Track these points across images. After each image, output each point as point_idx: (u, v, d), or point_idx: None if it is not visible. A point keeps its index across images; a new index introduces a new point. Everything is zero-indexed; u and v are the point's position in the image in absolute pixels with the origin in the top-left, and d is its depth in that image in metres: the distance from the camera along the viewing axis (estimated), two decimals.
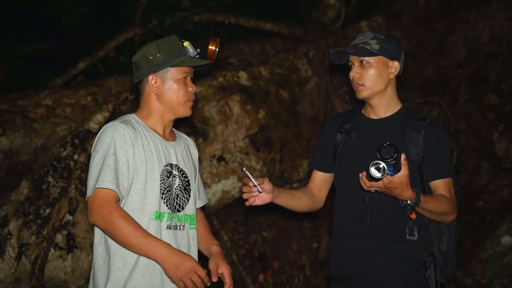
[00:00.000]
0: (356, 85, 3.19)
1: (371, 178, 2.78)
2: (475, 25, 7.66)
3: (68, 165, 4.59)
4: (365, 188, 2.87)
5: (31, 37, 8.41)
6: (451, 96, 7.44)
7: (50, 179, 4.53)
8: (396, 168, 2.78)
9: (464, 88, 7.41)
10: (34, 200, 4.47)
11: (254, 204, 3.14)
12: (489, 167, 7.24)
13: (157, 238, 2.87)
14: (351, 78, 3.21)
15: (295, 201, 3.36)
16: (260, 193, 3.11)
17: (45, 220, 4.40)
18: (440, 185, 3.10)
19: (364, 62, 3.17)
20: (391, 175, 2.77)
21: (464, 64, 7.51)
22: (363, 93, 3.19)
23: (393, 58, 3.20)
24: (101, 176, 2.85)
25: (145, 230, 2.86)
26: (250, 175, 3.04)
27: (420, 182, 3.10)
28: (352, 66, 3.22)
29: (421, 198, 2.90)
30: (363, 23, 7.04)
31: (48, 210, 4.44)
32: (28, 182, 4.54)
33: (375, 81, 3.17)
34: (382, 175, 2.74)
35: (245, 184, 3.11)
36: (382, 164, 2.74)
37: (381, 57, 3.17)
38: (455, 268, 3.31)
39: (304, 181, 5.83)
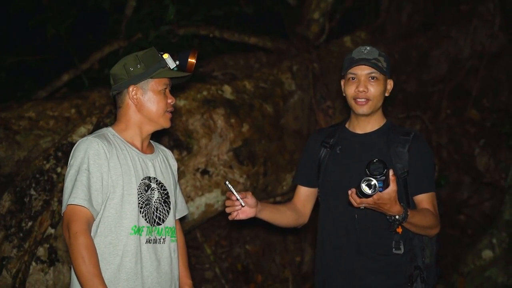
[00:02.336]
0: (363, 100, 3.14)
1: (362, 194, 2.77)
2: (456, 41, 7.75)
3: (51, 178, 4.54)
4: (355, 205, 2.85)
5: (15, 48, 8.36)
6: (433, 111, 7.50)
7: (32, 192, 4.49)
8: (385, 184, 2.78)
9: (445, 103, 7.47)
10: (16, 213, 4.42)
11: (237, 218, 3.11)
12: (470, 181, 7.30)
13: (104, 284, 2.78)
14: (355, 92, 3.15)
15: (279, 216, 3.33)
16: (243, 207, 3.08)
17: (27, 233, 4.35)
18: (424, 199, 3.11)
19: (373, 78, 3.13)
20: (381, 191, 2.77)
21: (446, 79, 7.59)
22: (367, 109, 3.15)
23: (390, 77, 3.22)
24: (73, 192, 2.83)
25: (99, 270, 2.79)
26: (233, 189, 3.02)
27: (405, 195, 3.10)
28: (354, 79, 3.17)
29: (408, 213, 2.91)
30: (346, 38, 7.09)
31: (30, 223, 4.38)
32: (10, 194, 4.49)
33: (378, 97, 3.16)
34: (373, 192, 2.73)
35: (228, 198, 3.09)
36: (374, 181, 2.73)
37: (385, 75, 3.17)
38: (436, 281, 3.31)
39: (287, 195, 5.83)
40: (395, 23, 7.97)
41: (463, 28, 7.78)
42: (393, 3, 7.99)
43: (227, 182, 3.02)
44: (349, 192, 2.83)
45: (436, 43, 7.73)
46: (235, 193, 3.02)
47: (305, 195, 3.42)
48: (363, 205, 2.85)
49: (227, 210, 3.10)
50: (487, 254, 5.89)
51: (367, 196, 2.75)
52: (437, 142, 7.22)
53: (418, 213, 3.02)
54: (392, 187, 2.78)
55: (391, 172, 2.78)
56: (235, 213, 3.10)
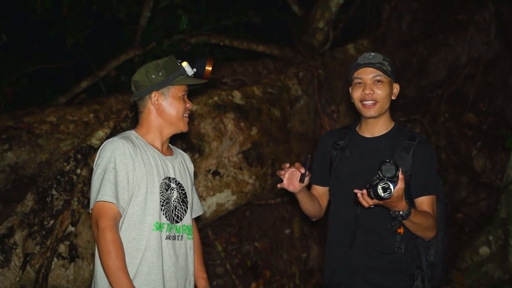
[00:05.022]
0: (369, 103, 3.13)
1: (376, 197, 2.72)
2: (454, 48, 7.74)
3: (71, 178, 4.57)
4: (366, 206, 2.80)
5: (37, 57, 8.42)
6: (432, 115, 7.49)
7: (54, 192, 4.51)
8: (396, 184, 2.75)
9: (444, 107, 7.47)
10: (38, 212, 4.44)
11: (286, 187, 3.08)
12: (467, 181, 7.28)
13: (129, 278, 2.81)
14: (362, 95, 3.14)
15: (310, 202, 3.30)
16: (298, 182, 3.06)
17: (48, 231, 4.38)
18: (424, 201, 3.08)
19: (379, 82, 3.12)
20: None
21: (444, 85, 7.58)
22: (374, 112, 3.13)
23: (395, 81, 3.20)
24: (101, 190, 2.86)
25: (124, 264, 2.82)
26: (307, 164, 3.02)
27: (408, 198, 3.04)
28: (360, 83, 3.16)
29: (411, 211, 2.89)
30: (349, 45, 7.08)
31: (51, 222, 4.41)
32: (33, 194, 4.52)
33: (384, 99, 3.14)
34: (387, 196, 2.70)
35: (290, 167, 3.06)
36: (391, 186, 2.69)
37: (390, 78, 3.16)
38: (442, 277, 3.30)
39: (293, 195, 5.83)
40: (395, 31, 7.97)
41: (460, 36, 7.77)
42: (393, 12, 7.99)
43: (309, 156, 3.03)
44: (359, 193, 2.79)
45: (434, 51, 7.72)
46: (306, 167, 3.02)
47: (319, 193, 3.41)
48: (373, 205, 2.82)
49: (282, 176, 3.06)
50: (484, 250, 5.87)
51: (381, 198, 2.72)
52: (436, 144, 7.21)
53: (420, 213, 2.99)
54: (400, 185, 2.73)
55: (400, 171, 2.74)
56: (287, 183, 3.07)
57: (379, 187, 2.69)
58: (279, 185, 3.08)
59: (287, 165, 3.06)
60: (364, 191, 2.77)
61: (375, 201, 2.76)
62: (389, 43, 7.75)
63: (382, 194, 2.69)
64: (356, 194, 2.82)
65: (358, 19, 8.40)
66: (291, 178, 3.09)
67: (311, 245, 6.33)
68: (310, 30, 7.08)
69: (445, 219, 3.25)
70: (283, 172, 3.06)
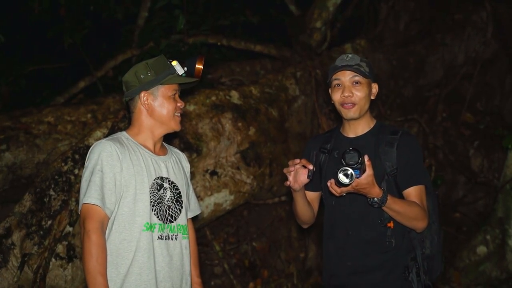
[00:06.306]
0: (348, 104, 3.16)
1: (340, 184, 2.80)
2: (451, 48, 7.75)
3: (68, 179, 4.56)
4: (337, 194, 2.90)
5: (35, 57, 8.41)
6: (430, 114, 7.50)
7: (51, 192, 4.50)
8: (362, 170, 2.80)
9: (441, 106, 7.48)
10: (36, 212, 4.43)
11: (291, 184, 3.09)
12: (465, 181, 7.29)
13: (107, 283, 2.82)
14: (341, 97, 3.17)
15: (307, 206, 3.32)
16: (301, 179, 3.09)
17: (46, 231, 4.37)
18: (412, 192, 3.10)
19: (357, 83, 3.15)
20: (358, 177, 2.80)
21: (441, 84, 7.59)
22: (354, 113, 3.16)
23: (374, 81, 3.24)
24: (87, 192, 2.87)
25: (104, 269, 2.83)
26: (314, 161, 3.11)
27: (397, 192, 3.10)
28: (339, 85, 3.18)
29: (388, 197, 2.92)
30: (347, 45, 7.09)
31: (49, 222, 4.40)
32: (30, 195, 4.50)
33: (364, 100, 3.16)
34: (350, 181, 2.78)
35: (298, 164, 3.08)
36: (350, 171, 2.76)
37: (368, 79, 3.18)
38: (442, 269, 3.30)
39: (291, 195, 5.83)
40: (393, 31, 7.99)
41: (457, 36, 7.79)
42: (391, 12, 8.01)
43: (315, 152, 3.12)
44: (328, 183, 2.88)
45: (432, 50, 7.73)
46: (313, 164, 3.09)
47: (310, 199, 3.40)
48: (344, 193, 2.89)
49: (289, 174, 3.08)
50: (481, 249, 5.88)
51: (345, 185, 2.80)
52: (433, 144, 7.22)
53: (402, 202, 3.01)
54: (368, 171, 2.80)
55: (366, 158, 2.80)
56: (292, 181, 3.09)
57: (340, 174, 2.78)
58: (286, 183, 3.11)
59: (297, 160, 3.08)
60: (332, 180, 2.85)
61: (343, 188, 2.84)
62: (386, 43, 7.76)
63: (345, 181, 2.78)
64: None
65: (356, 19, 8.41)
66: (295, 176, 3.11)
67: (309, 245, 6.33)
68: (308, 30, 7.09)
69: (438, 211, 3.25)
70: (292, 169, 3.08)
